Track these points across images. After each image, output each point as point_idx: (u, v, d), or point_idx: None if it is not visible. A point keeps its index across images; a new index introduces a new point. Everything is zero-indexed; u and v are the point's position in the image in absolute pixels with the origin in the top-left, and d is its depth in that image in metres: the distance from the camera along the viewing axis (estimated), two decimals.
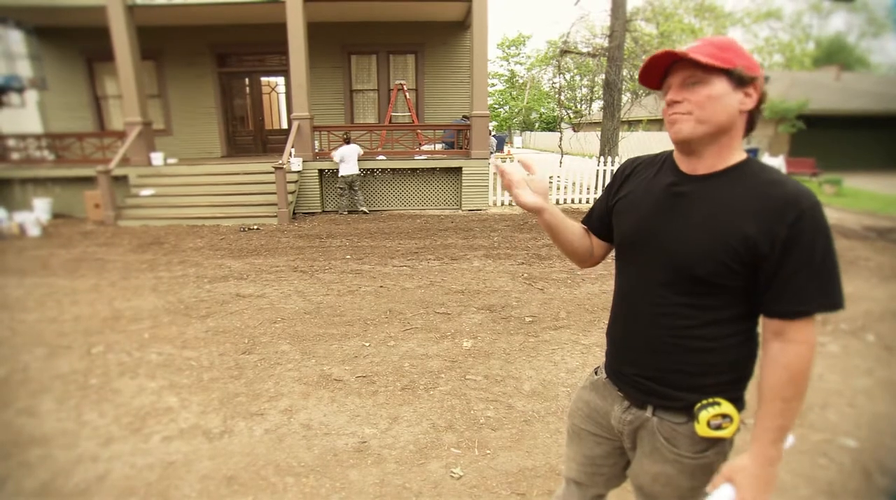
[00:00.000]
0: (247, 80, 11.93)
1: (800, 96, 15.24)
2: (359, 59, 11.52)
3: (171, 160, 9.69)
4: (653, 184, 1.10)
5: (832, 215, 8.57)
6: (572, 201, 9.91)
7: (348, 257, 5.85)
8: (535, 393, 2.81)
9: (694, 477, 1.09)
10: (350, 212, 8.87)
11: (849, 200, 10.66)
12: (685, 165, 1.05)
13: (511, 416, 2.59)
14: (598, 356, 3.18)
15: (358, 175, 8.64)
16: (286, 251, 6.14)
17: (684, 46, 1.00)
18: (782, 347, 0.96)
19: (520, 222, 7.97)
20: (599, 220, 1.25)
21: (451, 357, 3.26)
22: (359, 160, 8.66)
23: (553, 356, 3.25)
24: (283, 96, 12.31)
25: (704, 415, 1.01)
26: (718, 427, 1.01)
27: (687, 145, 1.01)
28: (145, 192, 8.55)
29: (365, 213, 8.82)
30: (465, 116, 10.96)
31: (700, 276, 0.99)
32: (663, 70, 1.03)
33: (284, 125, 12.42)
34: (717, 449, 1.07)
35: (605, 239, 1.25)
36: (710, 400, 1.02)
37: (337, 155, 8.50)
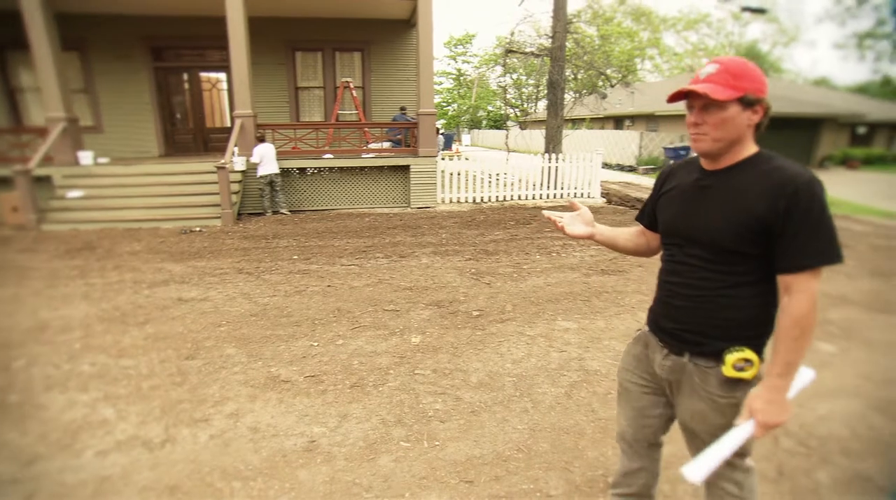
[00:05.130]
0: (185, 76, 11.36)
1: None
2: (304, 56, 11.26)
3: (103, 159, 9.09)
4: (685, 181, 1.38)
5: None
6: (519, 198, 10.15)
7: (295, 257, 5.74)
8: (482, 384, 2.90)
9: (724, 415, 1.31)
10: (274, 213, 8.53)
11: None
12: (707, 164, 1.33)
13: (459, 407, 2.67)
14: (543, 347, 3.33)
15: (277, 174, 8.38)
16: (231, 253, 5.94)
17: (703, 71, 1.24)
18: (788, 299, 1.18)
19: (467, 219, 8.11)
20: (650, 217, 1.53)
21: (399, 353, 3.30)
22: (293, 159, 8.42)
23: (499, 348, 3.36)
24: (225, 93, 11.83)
25: (730, 358, 1.25)
26: (741, 370, 1.24)
27: (707, 155, 1.29)
28: (73, 193, 7.97)
29: (285, 214, 8.49)
30: (401, 108, 10.89)
31: (724, 246, 1.24)
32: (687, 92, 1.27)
33: (227, 123, 11.94)
34: (744, 392, 1.28)
35: (658, 231, 1.49)
36: (736, 347, 1.25)
37: (255, 155, 8.18)
